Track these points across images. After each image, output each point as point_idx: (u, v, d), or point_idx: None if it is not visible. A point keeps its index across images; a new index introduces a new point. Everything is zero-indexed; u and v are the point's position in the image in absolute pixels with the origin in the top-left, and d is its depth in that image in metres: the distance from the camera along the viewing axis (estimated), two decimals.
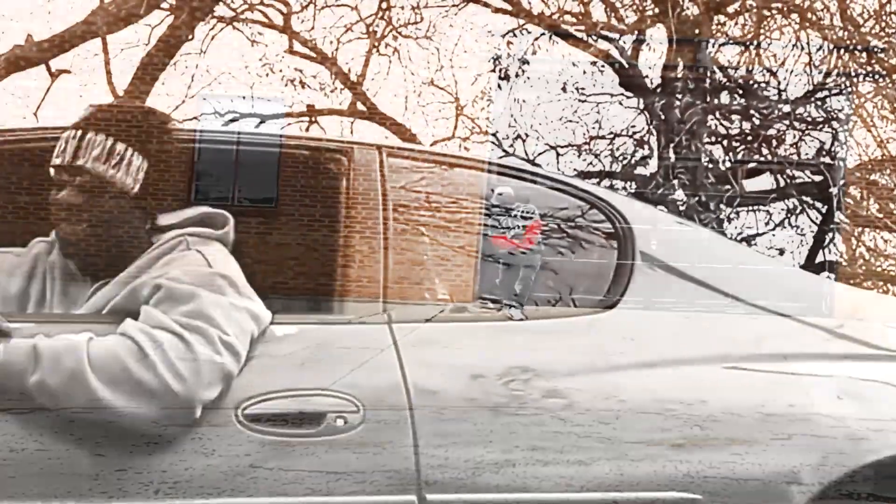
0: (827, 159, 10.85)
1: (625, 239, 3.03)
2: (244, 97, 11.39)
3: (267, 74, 11.44)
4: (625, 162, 10.87)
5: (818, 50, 10.99)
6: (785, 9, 11.01)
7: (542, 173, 3.28)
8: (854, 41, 10.84)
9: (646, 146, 11.03)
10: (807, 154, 10.87)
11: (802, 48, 10.89)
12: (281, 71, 11.44)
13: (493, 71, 11.41)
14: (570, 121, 11.16)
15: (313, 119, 11.44)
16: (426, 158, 3.25)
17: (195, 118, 10.02)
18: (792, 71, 10.92)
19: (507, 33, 11.43)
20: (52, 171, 2.77)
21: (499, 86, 11.33)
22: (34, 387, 2.46)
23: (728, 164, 10.60)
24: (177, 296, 2.57)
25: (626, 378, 2.77)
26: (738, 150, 10.80)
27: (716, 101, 10.88)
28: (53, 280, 2.80)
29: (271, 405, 2.60)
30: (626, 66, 11.07)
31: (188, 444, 2.53)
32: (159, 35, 10.46)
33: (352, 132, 11.24)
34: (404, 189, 3.05)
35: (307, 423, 2.61)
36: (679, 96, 10.64)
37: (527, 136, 11.15)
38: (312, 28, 11.49)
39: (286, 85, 11.50)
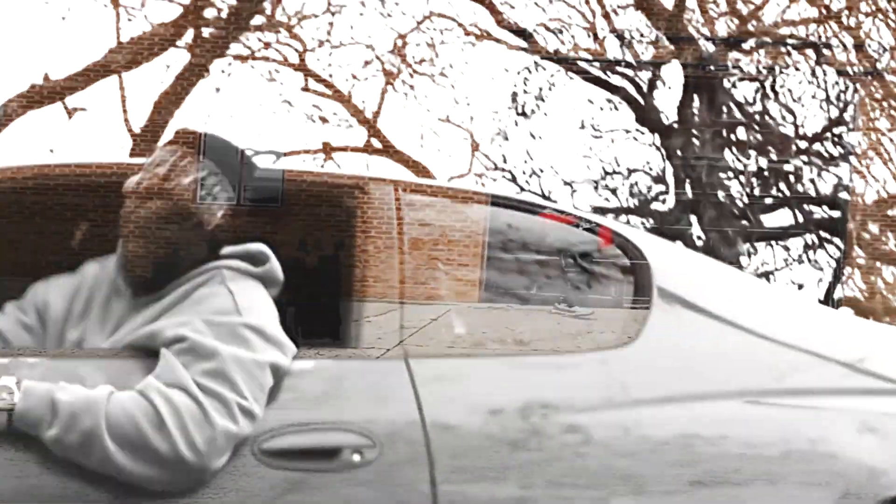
0: (845, 195, 10.83)
1: (642, 274, 3.01)
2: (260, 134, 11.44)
3: (288, 111, 11.49)
4: (641, 198, 10.86)
5: (834, 85, 10.99)
6: (801, 45, 11.02)
7: (557, 207, 3.26)
8: (870, 76, 10.82)
9: (662, 182, 11.03)
10: (824, 192, 10.86)
11: (819, 85, 10.89)
12: (295, 107, 11.48)
13: (510, 108, 11.43)
14: (586, 156, 11.17)
15: (329, 156, 11.48)
16: (442, 193, 3.23)
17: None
18: (808, 107, 10.92)
19: (522, 70, 11.46)
20: (137, 183, 2.80)
21: (516, 122, 11.35)
22: (50, 440, 2.46)
23: (746, 200, 10.58)
24: (198, 351, 2.55)
25: (646, 413, 2.74)
26: (754, 185, 10.78)
27: (732, 136, 10.87)
28: (100, 297, 2.82)
29: (287, 440, 2.58)
30: (643, 102, 11.09)
31: None
32: (176, 73, 10.51)
33: (367, 168, 11.26)
34: (420, 224, 3.04)
35: (323, 458, 2.58)
36: (695, 132, 10.65)
37: (542, 171, 11.16)
38: (329, 66, 11.55)
39: (305, 121, 11.55)
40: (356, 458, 2.59)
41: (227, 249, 2.81)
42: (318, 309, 2.98)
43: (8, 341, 2.80)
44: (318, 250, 3.19)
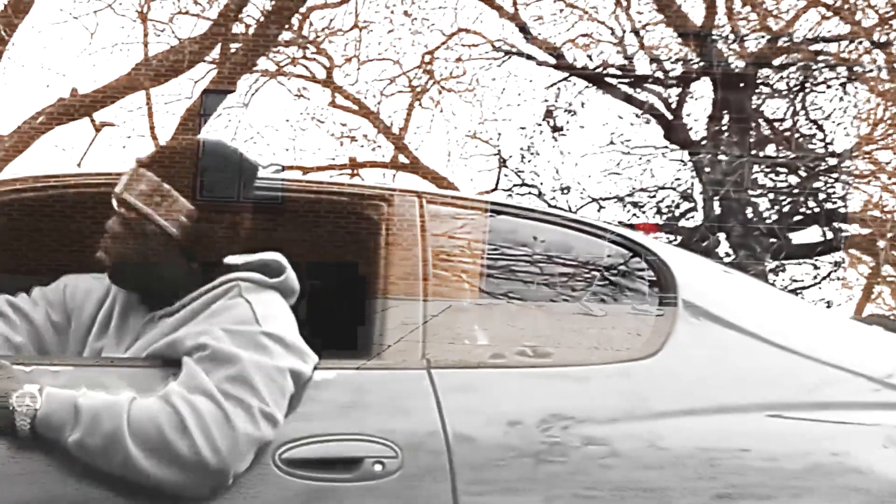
0: (876, 212, 10.78)
1: (667, 286, 3.00)
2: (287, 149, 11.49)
3: (318, 126, 11.53)
4: (669, 214, 10.84)
5: (865, 102, 10.95)
6: (832, 61, 10.98)
7: (583, 220, 3.24)
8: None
9: (691, 199, 11.01)
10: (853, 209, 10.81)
11: (850, 101, 10.85)
12: (324, 123, 11.52)
13: (538, 124, 11.43)
14: (614, 173, 11.16)
15: (355, 171, 11.50)
16: (466, 205, 3.21)
17: None
18: (839, 123, 10.88)
19: (550, 86, 11.47)
20: (112, 199, 2.80)
21: (554, 137, 11.35)
22: (72, 444, 2.46)
23: (774, 217, 10.55)
24: (220, 358, 2.56)
25: (669, 425, 2.72)
26: (784, 202, 10.75)
27: (762, 153, 10.83)
28: (117, 310, 2.83)
29: (308, 450, 2.56)
30: (671, 118, 11.07)
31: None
32: (203, 88, 10.55)
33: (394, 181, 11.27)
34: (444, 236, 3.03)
35: (344, 468, 2.57)
36: (724, 149, 10.61)
37: (569, 188, 11.15)
38: (357, 81, 11.58)
39: (333, 137, 11.59)
40: (377, 468, 2.57)
41: (240, 259, 2.81)
42: (340, 318, 2.98)
43: (40, 336, 2.83)
44: (340, 259, 3.20)
